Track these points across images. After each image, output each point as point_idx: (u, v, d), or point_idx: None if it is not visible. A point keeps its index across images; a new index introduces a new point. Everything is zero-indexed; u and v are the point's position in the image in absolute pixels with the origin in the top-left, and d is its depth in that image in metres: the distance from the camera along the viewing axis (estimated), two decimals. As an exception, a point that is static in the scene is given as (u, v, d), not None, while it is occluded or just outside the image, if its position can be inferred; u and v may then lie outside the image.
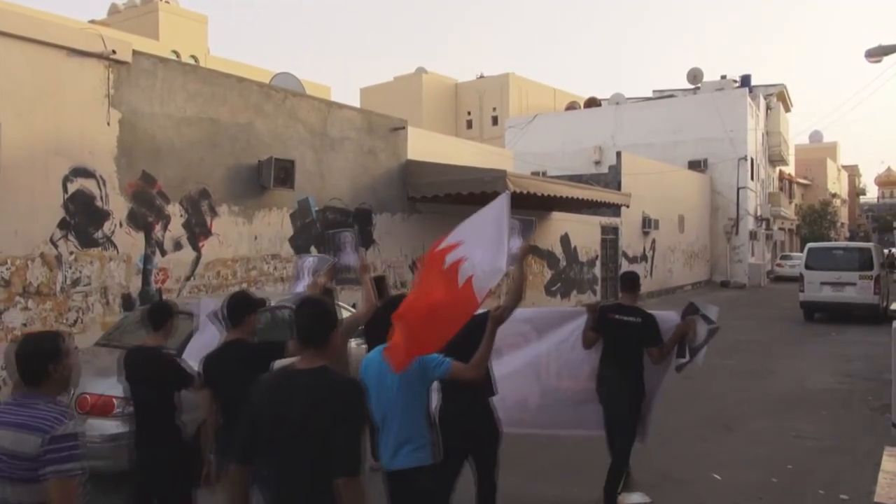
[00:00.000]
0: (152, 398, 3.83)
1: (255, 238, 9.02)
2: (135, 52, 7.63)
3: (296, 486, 2.40)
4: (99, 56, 7.25)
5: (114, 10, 38.97)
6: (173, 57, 25.62)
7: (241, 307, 3.78)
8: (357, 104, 34.02)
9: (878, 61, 11.29)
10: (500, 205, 3.67)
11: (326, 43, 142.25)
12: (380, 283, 4.60)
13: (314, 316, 2.55)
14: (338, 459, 2.33)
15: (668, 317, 5.14)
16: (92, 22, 33.58)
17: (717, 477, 5.76)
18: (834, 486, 5.57)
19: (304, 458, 2.37)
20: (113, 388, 4.86)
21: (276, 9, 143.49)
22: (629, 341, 4.95)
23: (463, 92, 43.38)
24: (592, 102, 34.56)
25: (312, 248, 9.89)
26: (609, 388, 4.96)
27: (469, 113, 42.79)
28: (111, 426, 4.96)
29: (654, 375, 5.08)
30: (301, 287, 4.86)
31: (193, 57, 34.70)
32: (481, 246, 3.43)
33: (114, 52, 7.27)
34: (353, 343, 5.28)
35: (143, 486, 3.84)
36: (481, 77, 43.89)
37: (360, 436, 2.43)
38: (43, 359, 2.49)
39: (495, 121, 40.54)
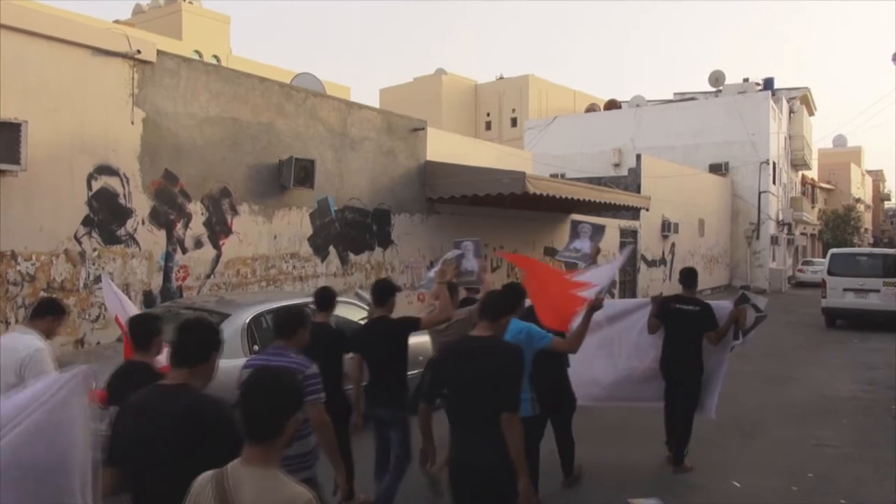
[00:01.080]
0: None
1: (275, 237, 9.08)
2: (159, 52, 7.72)
3: (473, 418, 3.32)
4: (124, 56, 7.34)
5: (138, 10, 39.49)
6: (196, 57, 25.87)
7: (385, 291, 4.79)
8: (376, 105, 34.13)
9: (905, 65, 11.08)
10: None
11: (346, 44, 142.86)
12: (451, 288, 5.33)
13: (497, 300, 3.60)
14: (504, 400, 3.23)
15: (722, 305, 6.07)
16: (116, 22, 34.00)
17: (736, 484, 5.70)
18: (855, 496, 5.49)
19: (480, 399, 3.27)
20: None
21: (297, 10, 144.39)
22: (689, 327, 5.84)
23: (482, 93, 43.41)
24: (612, 104, 34.41)
25: (330, 248, 9.94)
26: (673, 368, 5.87)
27: (488, 114, 42.81)
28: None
29: (713, 355, 5.98)
30: (432, 273, 5.77)
31: (216, 57, 35.05)
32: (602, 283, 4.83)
33: (138, 51, 7.37)
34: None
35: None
36: (501, 78, 43.88)
37: (520, 384, 3.36)
38: (296, 321, 3.73)
39: (514, 122, 40.52)
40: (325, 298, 4.87)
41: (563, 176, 21.77)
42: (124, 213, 7.40)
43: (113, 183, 7.30)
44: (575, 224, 6.79)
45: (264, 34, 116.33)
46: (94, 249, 7.12)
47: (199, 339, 2.54)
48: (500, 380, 3.26)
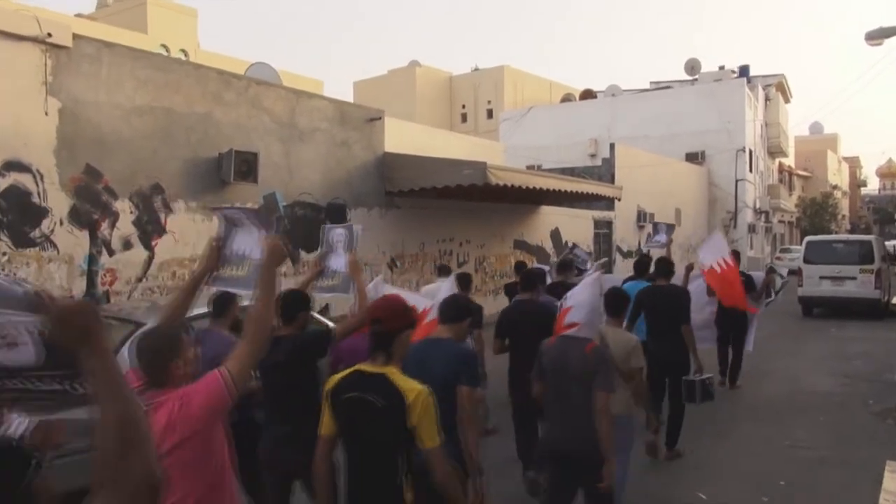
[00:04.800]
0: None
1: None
2: (75, 36, 7.08)
3: (664, 328, 5.93)
4: (34, 39, 6.70)
5: (102, 3, 38.34)
6: (162, 51, 25.04)
7: (533, 277, 5.88)
8: (350, 98, 33.44)
9: (879, 44, 10.71)
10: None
11: (320, 37, 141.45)
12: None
13: (670, 267, 6.50)
14: (682, 317, 5.92)
15: (758, 275, 8.98)
16: (78, 16, 33.04)
17: (702, 496, 5.22)
18: (830, 506, 5.04)
19: (667, 317, 5.94)
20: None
21: (270, 3, 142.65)
22: None
23: (457, 85, 42.73)
24: (588, 94, 34.00)
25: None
26: (727, 320, 8.22)
27: (464, 106, 42.13)
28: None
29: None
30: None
31: (183, 51, 34.01)
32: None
33: (49, 35, 6.72)
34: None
35: None
36: (476, 70, 43.20)
37: (689, 308, 6.05)
38: (538, 278, 5.92)
39: (490, 114, 39.87)
40: (532, 279, 5.99)
41: (539, 167, 21.26)
42: (38, 213, 6.76)
43: (24, 180, 6.66)
44: (655, 224, 10.81)
45: (237, 28, 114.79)
46: (4, 253, 6.49)
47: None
48: (677, 306, 5.93)
